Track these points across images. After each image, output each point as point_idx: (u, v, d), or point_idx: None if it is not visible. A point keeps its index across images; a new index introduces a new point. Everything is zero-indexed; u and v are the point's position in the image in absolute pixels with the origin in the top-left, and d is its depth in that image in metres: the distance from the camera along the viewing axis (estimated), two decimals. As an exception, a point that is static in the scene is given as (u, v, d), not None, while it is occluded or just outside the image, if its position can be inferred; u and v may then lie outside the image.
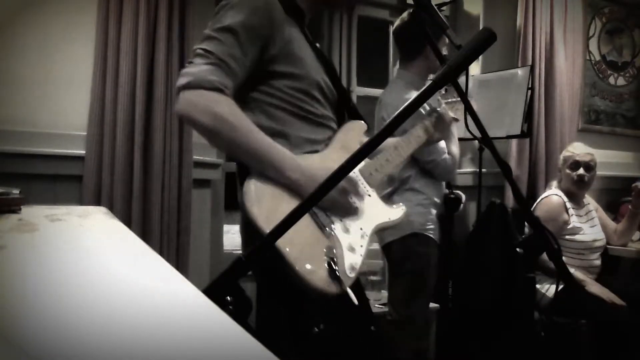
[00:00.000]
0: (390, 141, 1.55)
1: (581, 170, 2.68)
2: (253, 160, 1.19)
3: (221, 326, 0.44)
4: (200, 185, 2.52)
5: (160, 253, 1.09)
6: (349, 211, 1.29)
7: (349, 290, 1.18)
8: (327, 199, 1.23)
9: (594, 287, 2.53)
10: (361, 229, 1.30)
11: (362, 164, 1.36)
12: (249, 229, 1.20)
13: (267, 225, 1.11)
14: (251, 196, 1.16)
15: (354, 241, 1.26)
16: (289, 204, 1.12)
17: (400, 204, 1.44)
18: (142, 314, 0.47)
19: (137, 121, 2.20)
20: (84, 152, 2.18)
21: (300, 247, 1.15)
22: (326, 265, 1.17)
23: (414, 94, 2.14)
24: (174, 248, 2.32)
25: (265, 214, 1.14)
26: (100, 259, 0.73)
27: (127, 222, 2.16)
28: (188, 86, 1.15)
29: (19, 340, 0.38)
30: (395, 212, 1.40)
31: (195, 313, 0.49)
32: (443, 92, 2.05)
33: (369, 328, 1.44)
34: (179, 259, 2.33)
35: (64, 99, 2.22)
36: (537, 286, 2.59)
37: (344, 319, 1.28)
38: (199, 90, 1.15)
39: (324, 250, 1.19)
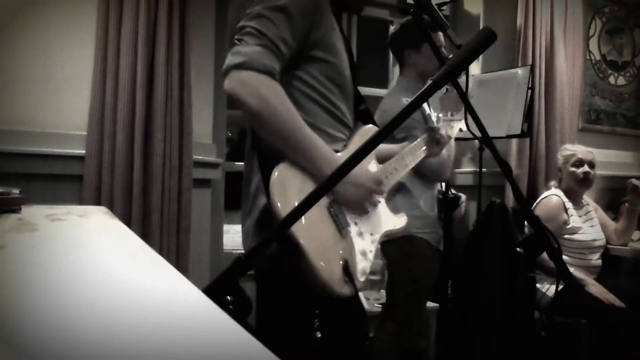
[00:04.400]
0: (394, 149, 1.57)
1: (586, 167, 2.68)
2: (291, 149, 1.19)
3: (221, 326, 0.44)
4: (200, 185, 2.52)
5: (160, 253, 1.09)
6: (366, 212, 1.30)
7: (361, 295, 1.18)
8: (353, 198, 1.24)
9: (593, 288, 2.53)
10: (372, 234, 1.31)
11: (375, 170, 1.38)
12: (264, 220, 1.20)
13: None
14: (277, 189, 1.15)
15: (366, 246, 1.28)
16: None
17: (402, 213, 1.46)
18: (142, 314, 0.47)
19: (137, 121, 2.20)
20: (84, 152, 2.17)
21: (320, 246, 1.15)
22: (342, 266, 1.18)
23: (407, 97, 2.17)
24: (174, 248, 2.32)
25: (290, 207, 1.13)
26: (100, 259, 0.73)
27: (127, 222, 2.16)
28: (240, 66, 1.14)
29: (19, 340, 0.38)
30: (399, 221, 1.43)
31: (195, 313, 0.49)
32: (445, 91, 2.05)
33: (364, 342, 1.44)
34: (179, 259, 2.33)
35: (64, 99, 2.22)
36: (537, 286, 2.59)
37: (344, 326, 1.27)
38: (250, 72, 1.14)
39: (340, 251, 1.20)
